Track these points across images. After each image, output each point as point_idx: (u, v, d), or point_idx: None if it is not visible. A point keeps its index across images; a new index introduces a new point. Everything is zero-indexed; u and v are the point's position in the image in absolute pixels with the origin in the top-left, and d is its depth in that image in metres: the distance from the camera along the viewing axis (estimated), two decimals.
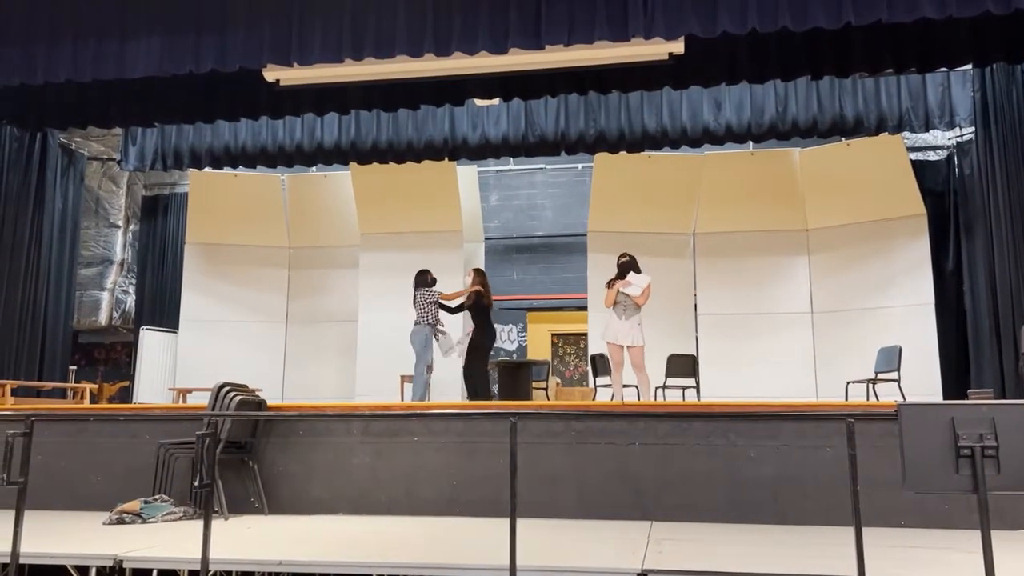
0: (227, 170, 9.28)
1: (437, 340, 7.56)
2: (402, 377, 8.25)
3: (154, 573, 3.87)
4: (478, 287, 7.56)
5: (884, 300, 8.54)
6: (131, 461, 5.52)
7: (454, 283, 8.58)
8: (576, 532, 4.48)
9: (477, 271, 7.84)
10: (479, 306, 7.51)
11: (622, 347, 6.82)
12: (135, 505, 4.92)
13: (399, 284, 9.05)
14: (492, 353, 7.99)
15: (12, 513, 3.60)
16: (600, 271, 9.02)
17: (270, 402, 5.78)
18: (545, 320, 12.28)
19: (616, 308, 6.93)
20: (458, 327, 8.46)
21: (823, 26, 5.33)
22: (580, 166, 11.01)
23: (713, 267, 9.13)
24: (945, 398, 7.68)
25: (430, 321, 7.52)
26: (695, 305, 9.11)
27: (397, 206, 9.36)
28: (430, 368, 7.48)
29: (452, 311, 7.78)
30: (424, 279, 7.74)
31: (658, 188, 9.07)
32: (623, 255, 7.10)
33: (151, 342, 9.55)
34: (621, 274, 7.00)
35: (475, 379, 7.38)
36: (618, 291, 6.84)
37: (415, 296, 7.65)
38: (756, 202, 9.05)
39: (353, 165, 9.01)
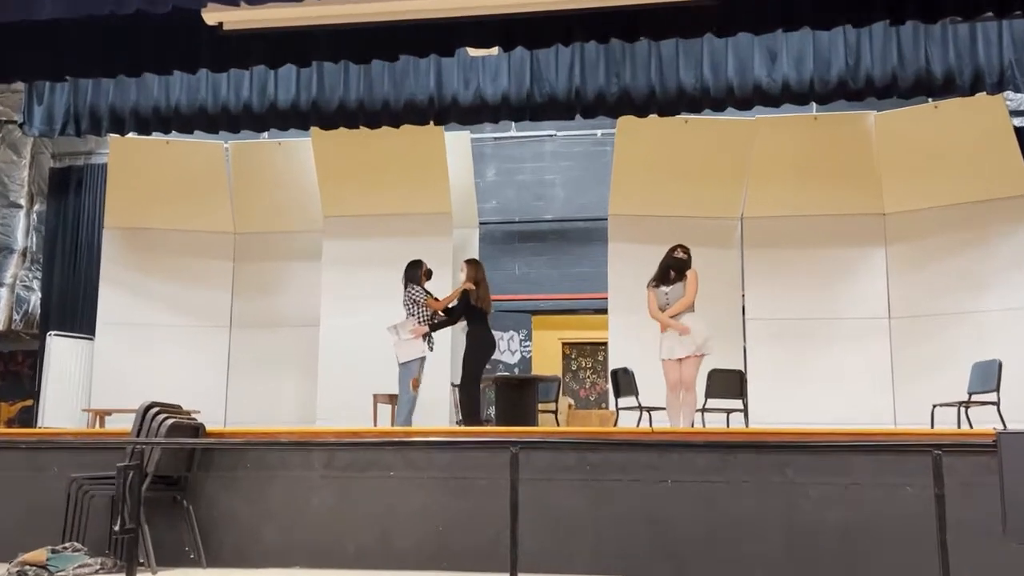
0: (156, 136, 9.24)
1: (430, 347, 7.61)
2: (375, 396, 8.26)
3: None
4: (469, 284, 7.58)
5: (980, 303, 8.52)
6: (35, 500, 5.51)
7: (440, 280, 8.58)
8: None
9: (472, 263, 7.85)
10: (469, 307, 7.52)
11: (679, 362, 6.84)
12: (40, 555, 4.92)
13: (371, 280, 9.02)
14: (488, 367, 8.00)
15: None
16: (624, 264, 9.02)
17: (210, 427, 5.81)
18: (555, 326, 12.28)
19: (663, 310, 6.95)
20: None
21: None
22: (599, 133, 11.00)
23: (765, 260, 9.12)
24: None
25: (423, 319, 7.57)
26: (743, 308, 9.10)
27: (370, 182, 9.35)
28: (417, 385, 7.51)
29: (449, 321, 7.80)
30: (415, 273, 7.76)
31: (697, 161, 9.06)
32: (683, 248, 7.03)
33: (60, 351, 9.51)
34: (663, 273, 7.00)
35: (467, 399, 7.38)
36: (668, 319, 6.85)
37: (404, 296, 7.69)
38: (820, 179, 9.03)
39: (315, 130, 8.99)
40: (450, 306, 7.80)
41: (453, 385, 8.59)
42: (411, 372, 7.47)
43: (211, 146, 9.78)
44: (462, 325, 7.91)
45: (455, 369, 8.70)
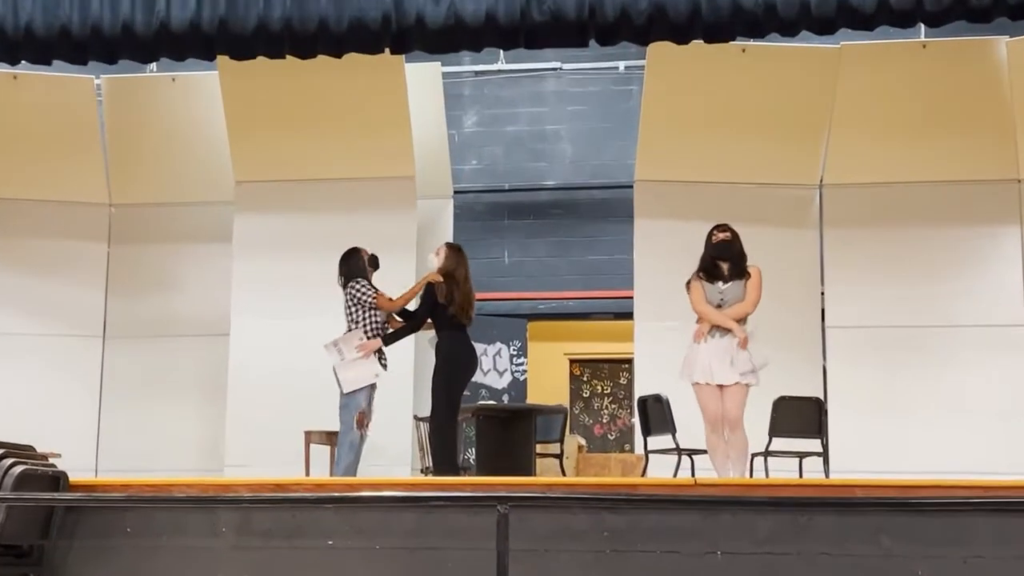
0: (1, 68, 9.24)
1: (383, 366, 7.64)
2: (307, 435, 8.27)
3: None
4: (436, 275, 7.58)
5: None
6: None
7: (399, 273, 8.59)
8: None
9: (452, 247, 7.85)
10: (436, 308, 7.53)
11: (720, 389, 6.89)
12: None
13: (301, 271, 9.03)
14: (466, 392, 8.01)
15: None
16: (655, 249, 9.05)
17: (75, 476, 5.77)
18: (559, 336, 12.31)
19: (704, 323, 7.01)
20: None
21: None
22: (622, 66, 11.05)
23: (854, 245, 9.16)
24: None
25: (371, 330, 7.59)
26: (821, 312, 9.14)
27: (299, 134, 9.34)
28: (365, 420, 7.52)
29: (408, 328, 7.81)
30: (355, 264, 7.77)
31: (757, 106, 9.07)
32: (720, 228, 7.12)
33: None
34: (711, 267, 7.04)
35: (438, 439, 7.41)
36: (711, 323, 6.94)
37: (345, 297, 7.71)
38: (929, 132, 9.06)
39: (223, 61, 8.92)
40: (409, 307, 7.79)
41: (417, 419, 8.61)
42: (356, 404, 7.50)
43: (77, 82, 9.72)
44: (428, 335, 7.90)
45: (420, 396, 8.72)
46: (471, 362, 7.76)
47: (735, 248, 7.06)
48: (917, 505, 5.24)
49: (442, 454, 7.42)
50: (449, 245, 7.93)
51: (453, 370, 7.56)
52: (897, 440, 8.72)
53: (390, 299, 7.75)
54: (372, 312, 7.64)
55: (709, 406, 6.91)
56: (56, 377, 9.53)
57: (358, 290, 7.66)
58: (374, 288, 7.71)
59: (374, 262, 7.88)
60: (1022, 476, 8.19)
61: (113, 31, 8.47)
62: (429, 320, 7.70)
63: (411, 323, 7.79)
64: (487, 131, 11.39)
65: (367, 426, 7.55)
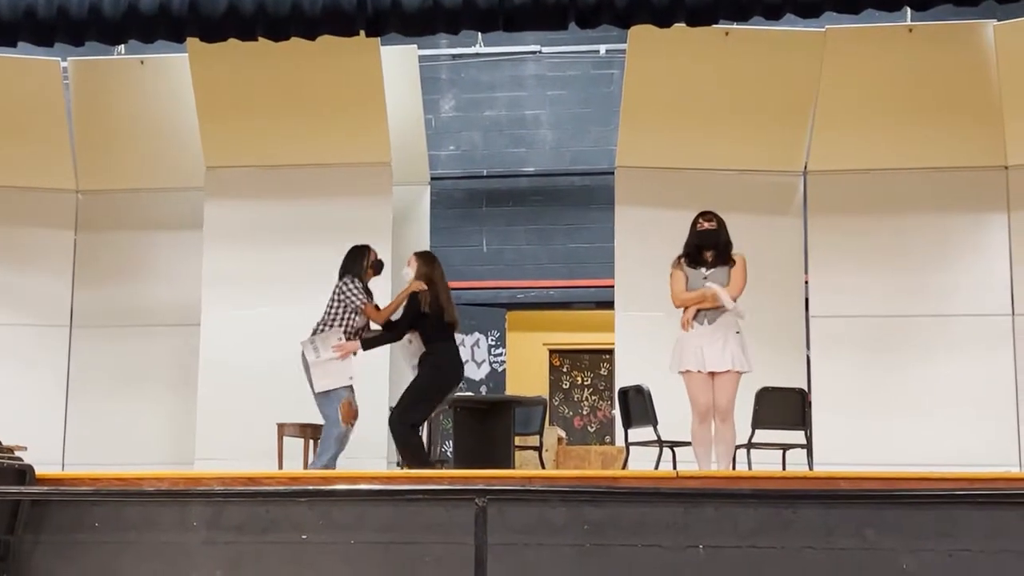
0: None
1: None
2: (281, 427, 8.23)
3: None
4: (420, 283, 7.52)
5: None
6: None
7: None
8: None
9: (422, 256, 7.79)
10: (420, 318, 7.49)
11: (712, 378, 6.87)
12: None
13: (274, 260, 8.99)
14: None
15: None
16: (636, 237, 9.02)
17: (41, 470, 5.74)
18: (538, 325, 12.31)
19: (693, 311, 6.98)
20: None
21: None
22: (603, 49, 11.02)
23: (838, 233, 9.15)
24: None
25: (350, 331, 7.56)
26: (805, 301, 9.14)
27: (272, 119, 9.30)
28: (352, 413, 7.50)
29: (388, 337, 7.77)
30: (356, 263, 7.74)
31: (741, 90, 9.07)
32: (706, 216, 7.11)
33: None
34: (695, 253, 7.02)
35: (401, 429, 7.37)
36: (697, 306, 6.92)
37: (334, 292, 7.67)
38: (915, 117, 9.06)
39: (193, 44, 8.89)
40: (395, 315, 7.70)
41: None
42: (339, 396, 7.46)
43: (42, 65, 9.64)
44: (412, 359, 7.80)
45: (396, 389, 8.68)
46: (460, 375, 7.74)
47: (720, 237, 7.03)
48: (902, 498, 5.26)
49: (407, 445, 7.36)
50: (417, 254, 7.84)
51: (443, 380, 7.51)
52: (882, 432, 8.72)
53: (377, 307, 7.69)
54: (354, 315, 7.58)
55: (699, 396, 6.87)
56: (21, 368, 9.46)
57: (349, 290, 7.59)
58: (364, 293, 7.64)
59: (377, 267, 7.83)
60: (1008, 468, 8.26)
61: (80, 12, 8.41)
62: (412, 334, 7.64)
63: (392, 332, 7.70)
64: (465, 116, 11.36)
65: (353, 420, 7.53)
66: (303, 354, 7.61)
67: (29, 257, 9.68)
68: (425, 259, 7.75)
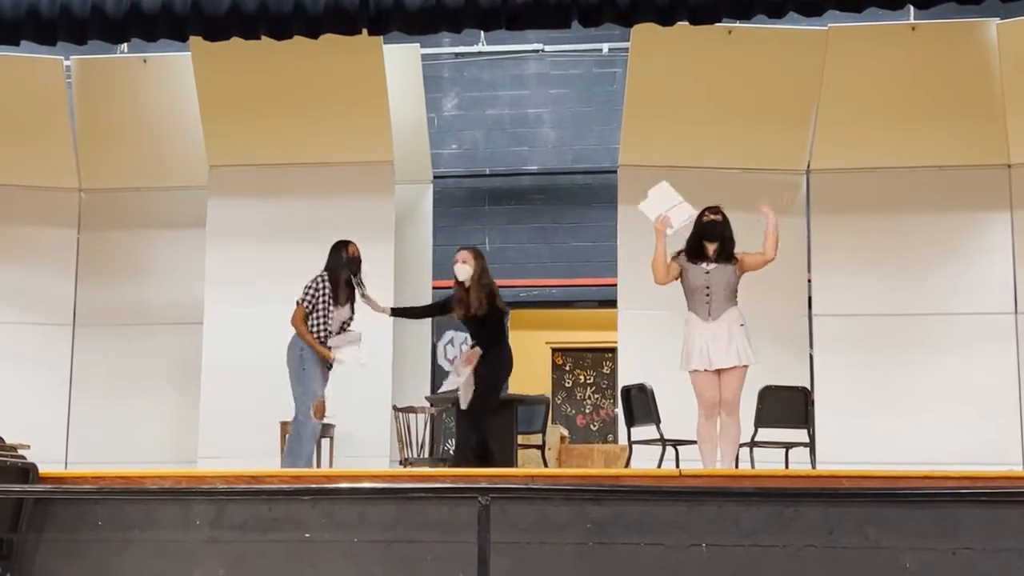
0: None
1: (337, 361, 7.63)
2: (283, 425, 8.25)
3: None
4: (487, 284, 7.64)
5: None
6: None
7: (381, 258, 8.58)
8: None
9: (473, 251, 7.83)
10: (496, 315, 7.66)
11: (718, 375, 6.89)
12: None
13: (277, 258, 8.99)
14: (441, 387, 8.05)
15: None
16: (639, 236, 8.94)
17: (45, 468, 5.75)
18: (541, 324, 12.28)
19: (696, 296, 6.98)
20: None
21: None
22: (606, 48, 11.00)
23: (841, 232, 9.17)
24: None
25: (322, 334, 7.58)
26: (808, 299, 9.16)
27: (274, 118, 9.30)
28: (321, 409, 7.51)
29: (422, 312, 7.94)
30: (334, 258, 7.75)
31: (744, 89, 9.07)
32: (712, 210, 7.11)
33: None
34: (697, 246, 7.04)
35: (477, 435, 7.50)
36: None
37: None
38: (919, 115, 9.07)
39: (196, 42, 8.90)
40: (480, 315, 7.70)
41: (396, 409, 8.59)
42: (313, 392, 7.48)
43: (45, 64, 9.64)
44: (464, 371, 7.81)
45: (398, 387, 8.73)
46: (510, 364, 7.96)
47: (724, 231, 7.04)
48: (905, 496, 5.27)
49: (481, 447, 7.51)
50: (470, 250, 7.86)
51: (497, 373, 7.75)
52: (885, 430, 8.74)
53: (302, 315, 7.63)
54: (322, 316, 7.60)
55: (705, 394, 6.89)
56: (25, 367, 9.48)
57: (312, 286, 7.64)
58: (324, 295, 7.61)
59: (352, 264, 7.74)
60: (1011, 467, 8.27)
61: (83, 11, 8.43)
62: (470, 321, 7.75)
63: (488, 333, 7.83)
64: (467, 115, 11.35)
65: (322, 414, 7.56)
66: (287, 353, 7.61)
67: (32, 256, 9.70)
68: (477, 255, 7.81)
